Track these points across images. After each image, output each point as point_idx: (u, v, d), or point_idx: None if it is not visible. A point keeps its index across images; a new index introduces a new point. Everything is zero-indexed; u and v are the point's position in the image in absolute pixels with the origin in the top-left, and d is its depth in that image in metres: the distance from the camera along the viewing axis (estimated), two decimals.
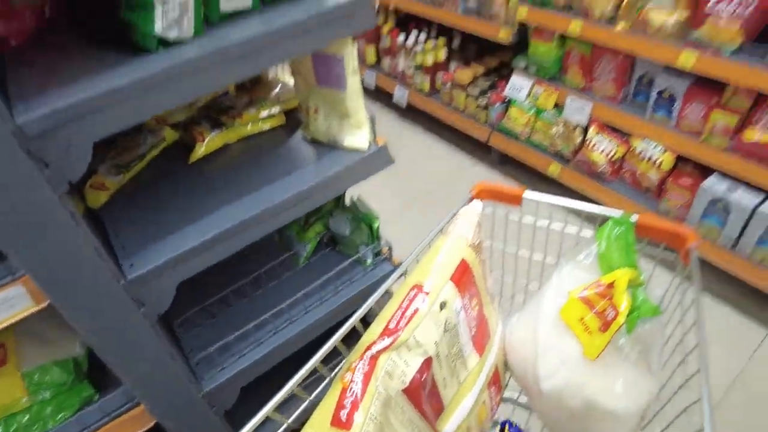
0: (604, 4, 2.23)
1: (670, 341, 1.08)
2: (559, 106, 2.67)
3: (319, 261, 1.55)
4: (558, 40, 2.54)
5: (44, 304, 1.06)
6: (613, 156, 2.51)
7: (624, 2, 2.16)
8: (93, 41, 0.99)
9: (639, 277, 1.09)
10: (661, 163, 2.32)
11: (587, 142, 2.58)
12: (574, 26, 2.33)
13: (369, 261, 1.49)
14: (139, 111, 0.83)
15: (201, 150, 1.25)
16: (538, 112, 2.80)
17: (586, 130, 2.61)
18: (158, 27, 0.82)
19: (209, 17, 0.92)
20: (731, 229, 2.08)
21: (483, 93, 2.99)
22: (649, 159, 2.37)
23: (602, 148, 2.53)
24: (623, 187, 2.53)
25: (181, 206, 1.14)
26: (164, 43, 0.86)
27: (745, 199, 2.02)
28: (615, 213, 1.19)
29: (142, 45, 0.85)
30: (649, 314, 1.05)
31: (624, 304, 1.06)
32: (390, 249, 1.51)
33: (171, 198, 1.18)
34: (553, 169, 2.77)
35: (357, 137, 1.17)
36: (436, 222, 1.15)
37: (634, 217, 1.17)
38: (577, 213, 1.21)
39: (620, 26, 2.18)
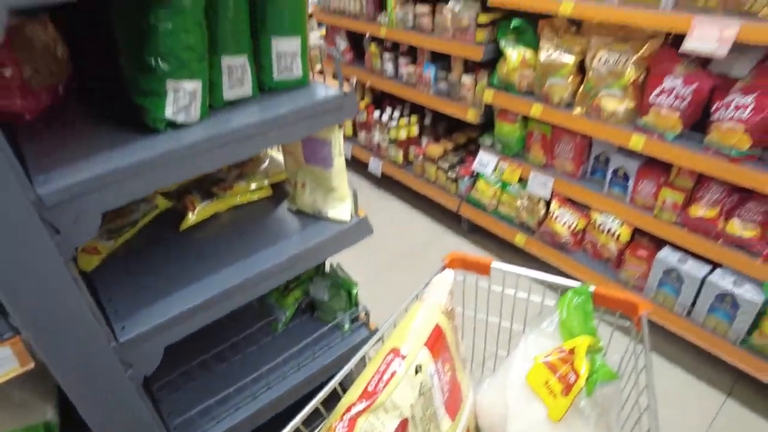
0: (562, 91, 2.47)
1: (628, 403, 1.16)
2: (523, 181, 2.86)
3: (297, 326, 1.60)
4: (521, 121, 2.77)
5: (29, 366, 1.08)
6: (574, 228, 2.67)
7: (579, 90, 2.40)
8: (102, 118, 1.08)
9: (598, 343, 1.19)
10: (619, 235, 2.50)
11: (550, 215, 2.75)
12: (535, 110, 2.55)
13: (347, 326, 1.55)
14: (147, 186, 0.92)
15: (192, 218, 1.33)
16: (504, 185, 2.98)
17: (549, 204, 2.79)
18: (169, 112, 0.93)
19: (213, 103, 1.03)
20: (685, 297, 2.23)
21: (453, 166, 3.18)
22: (608, 231, 2.54)
23: (564, 220, 2.71)
24: (585, 258, 2.68)
25: (172, 272, 1.20)
26: (172, 125, 0.96)
27: (695, 269, 2.18)
28: (574, 284, 1.30)
29: (151, 126, 0.95)
30: (607, 378, 1.14)
31: (583, 368, 1.15)
32: (367, 314, 1.57)
33: (161, 263, 1.24)
34: (519, 239, 2.92)
35: (340, 209, 1.27)
36: (408, 287, 1.23)
37: (592, 288, 1.28)
38: (540, 282, 1.31)
39: (577, 111, 2.42)
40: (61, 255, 0.86)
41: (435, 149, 3.24)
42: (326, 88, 1.13)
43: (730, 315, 2.09)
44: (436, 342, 1.18)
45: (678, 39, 1.93)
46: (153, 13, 0.84)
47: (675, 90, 2.05)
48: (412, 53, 3.28)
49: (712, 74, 1.98)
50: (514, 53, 2.59)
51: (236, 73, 1.01)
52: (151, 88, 0.91)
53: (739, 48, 1.81)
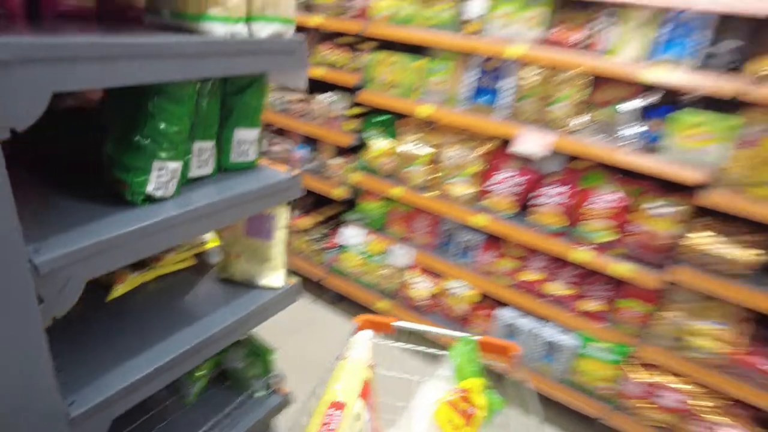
0: (418, 177, 2.92)
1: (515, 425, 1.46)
2: (385, 252, 3.20)
3: (209, 397, 1.60)
4: (384, 200, 3.15)
5: None
6: (430, 293, 3.06)
7: (433, 176, 2.87)
8: (62, 187, 1.09)
9: (485, 382, 1.48)
10: (467, 297, 2.94)
11: (409, 282, 3.11)
12: (396, 191, 2.95)
13: (262, 393, 1.60)
14: (128, 256, 0.97)
15: (120, 289, 1.32)
16: (368, 256, 3.29)
17: (408, 272, 3.16)
18: (150, 188, 1.01)
19: (180, 180, 1.13)
20: (522, 348, 2.71)
21: (321, 238, 3.41)
22: (458, 295, 2.97)
23: (421, 286, 3.09)
24: (440, 318, 3.07)
25: (108, 343, 1.18)
26: (149, 199, 1.03)
27: (526, 323, 2.69)
28: (462, 335, 1.59)
29: (129, 200, 1.01)
30: (500, 407, 1.43)
31: (483, 401, 1.43)
32: (281, 380, 1.65)
33: (91, 335, 1.20)
34: (382, 305, 3.21)
35: (273, 277, 1.40)
36: (286, 353, 1.37)
37: (476, 337, 1.59)
38: (422, 337, 1.57)
39: (431, 194, 2.87)
40: (42, 324, 0.86)
41: (305, 222, 3.44)
42: (276, 171, 1.29)
43: (555, 359, 2.62)
44: (366, 394, 1.36)
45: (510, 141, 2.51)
46: (152, 101, 0.95)
47: (509, 180, 2.62)
48: (282, 132, 3.51)
49: (534, 169, 2.60)
50: (378, 143, 3.00)
51: (204, 155, 1.13)
52: (136, 165, 0.98)
53: (553, 151, 2.44)
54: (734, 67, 1.99)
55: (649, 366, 2.39)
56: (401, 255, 3.11)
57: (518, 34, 2.32)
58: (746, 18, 1.95)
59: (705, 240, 2.11)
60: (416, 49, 2.78)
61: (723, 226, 2.09)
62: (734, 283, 2.02)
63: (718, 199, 2.01)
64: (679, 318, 2.24)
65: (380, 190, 3.05)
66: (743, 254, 2.01)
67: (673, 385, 2.29)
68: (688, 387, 2.27)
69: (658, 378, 2.35)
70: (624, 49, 2.11)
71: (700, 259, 2.11)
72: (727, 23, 1.95)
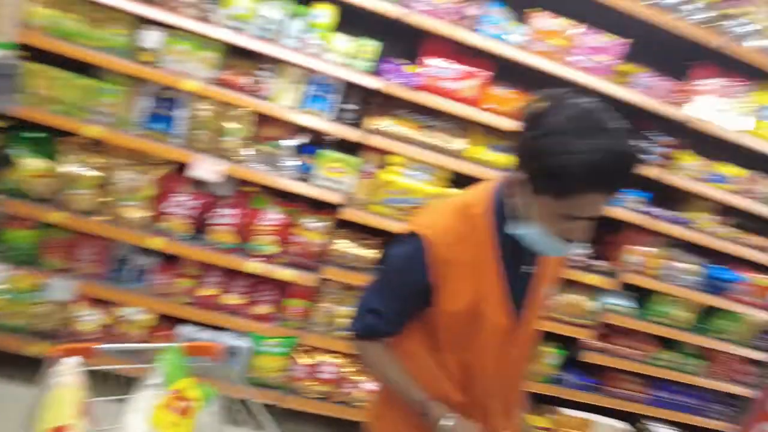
0: (84, 201, 2.75)
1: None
2: (39, 288, 2.83)
3: None
4: (37, 227, 2.81)
5: None
6: (101, 324, 2.90)
7: (102, 200, 2.77)
8: None
9: (194, 380, 1.69)
10: (144, 322, 2.93)
11: (75, 317, 2.87)
12: (55, 216, 2.70)
13: None
14: None
15: None
16: (15, 294, 2.84)
17: (72, 306, 2.89)
18: None
19: None
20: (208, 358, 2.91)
21: None
22: (134, 321, 2.93)
23: (90, 319, 2.89)
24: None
25: None
26: None
27: (206, 336, 2.90)
28: (168, 345, 1.75)
29: None
30: (214, 395, 1.68)
31: (196, 394, 1.64)
32: None
33: None
34: (38, 348, 2.82)
35: None
36: None
37: (180, 344, 1.78)
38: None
39: (100, 218, 2.76)
40: None
41: None
42: None
43: (235, 363, 2.93)
44: (86, 413, 1.41)
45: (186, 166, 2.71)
46: None
47: (185, 203, 2.80)
48: None
49: (209, 192, 2.86)
50: (31, 162, 2.68)
51: None
52: None
53: (226, 177, 2.77)
54: (356, 122, 2.79)
55: (311, 350, 2.99)
56: (62, 288, 2.84)
57: (193, 71, 2.57)
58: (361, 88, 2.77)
59: (343, 245, 2.84)
60: (82, 66, 2.63)
61: (355, 234, 2.87)
62: (363, 275, 2.79)
63: (350, 214, 2.76)
64: (329, 307, 2.91)
65: (33, 216, 2.72)
66: (367, 253, 2.82)
67: (329, 361, 2.94)
68: (339, 360, 2.96)
69: (318, 358, 2.96)
70: (282, 98, 2.65)
71: (341, 260, 2.83)
72: (351, 89, 2.73)
